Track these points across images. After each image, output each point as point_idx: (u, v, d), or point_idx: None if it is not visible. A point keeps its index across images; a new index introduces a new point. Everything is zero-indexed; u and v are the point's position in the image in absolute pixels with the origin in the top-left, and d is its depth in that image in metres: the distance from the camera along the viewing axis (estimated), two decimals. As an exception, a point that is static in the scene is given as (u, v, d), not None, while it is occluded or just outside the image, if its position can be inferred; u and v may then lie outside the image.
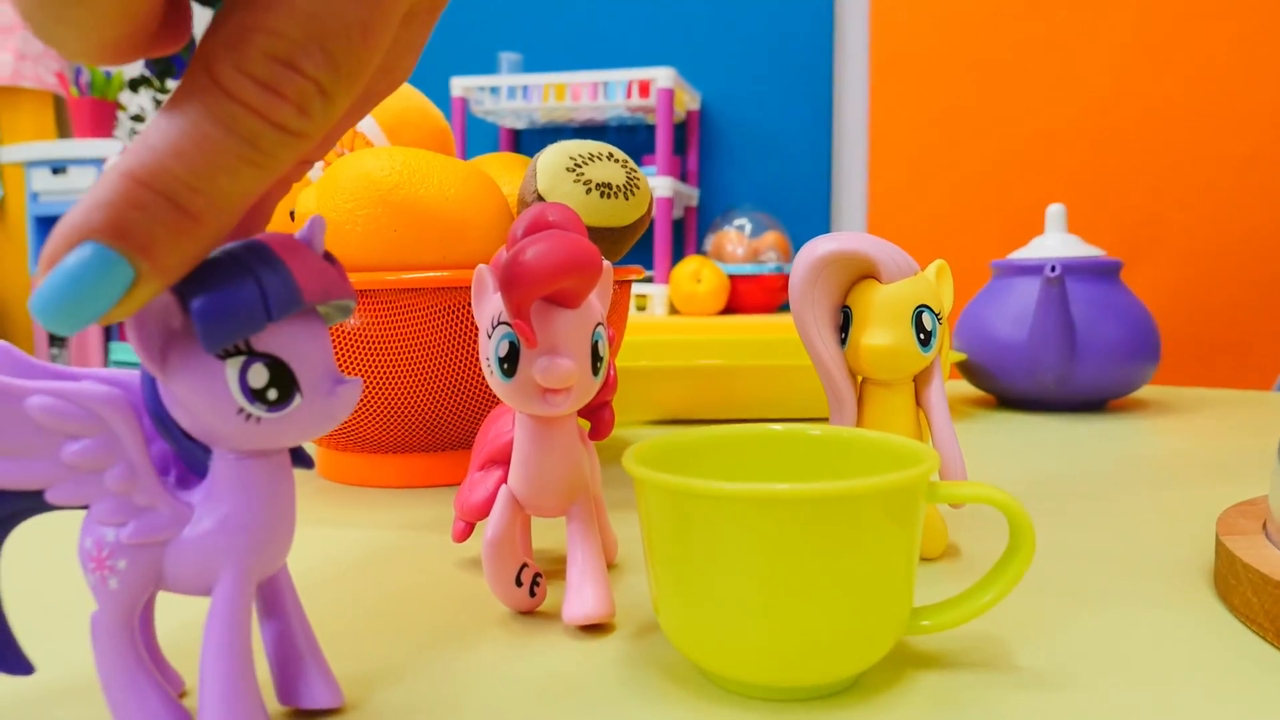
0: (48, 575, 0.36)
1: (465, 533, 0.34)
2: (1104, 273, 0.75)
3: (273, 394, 0.20)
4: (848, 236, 0.33)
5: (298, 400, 0.21)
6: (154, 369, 0.20)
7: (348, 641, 0.29)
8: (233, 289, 0.19)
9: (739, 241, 1.67)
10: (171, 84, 2.26)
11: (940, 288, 0.35)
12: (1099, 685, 0.25)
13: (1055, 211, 0.79)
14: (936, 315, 0.33)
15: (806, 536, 0.22)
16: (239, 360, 0.20)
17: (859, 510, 0.23)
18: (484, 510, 0.31)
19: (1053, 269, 0.68)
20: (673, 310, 1.66)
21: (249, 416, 0.20)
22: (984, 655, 0.27)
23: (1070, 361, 0.70)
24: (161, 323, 0.20)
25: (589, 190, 0.45)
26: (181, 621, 0.31)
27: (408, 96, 0.53)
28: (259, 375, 0.20)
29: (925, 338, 0.33)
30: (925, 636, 0.28)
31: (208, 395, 0.20)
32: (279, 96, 0.17)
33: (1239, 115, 1.41)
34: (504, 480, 0.30)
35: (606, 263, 0.29)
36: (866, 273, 0.34)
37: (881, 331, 0.33)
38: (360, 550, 0.39)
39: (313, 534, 0.41)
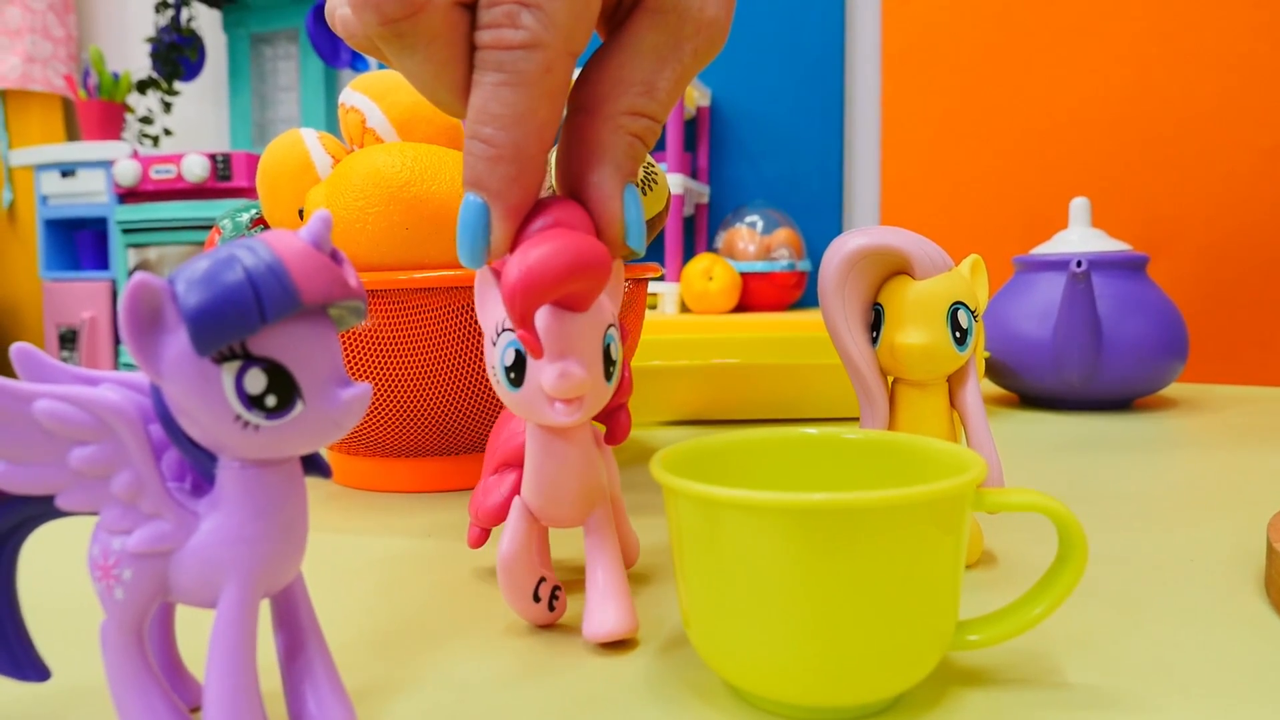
0: (65, 580, 0.36)
1: (481, 539, 0.33)
2: (1131, 268, 0.73)
3: (271, 400, 0.19)
4: (879, 231, 0.32)
5: (299, 407, 0.19)
6: (149, 372, 0.19)
7: (358, 654, 0.28)
8: (223, 288, 0.18)
9: (750, 239, 1.66)
10: (179, 85, 2.25)
11: (975, 283, 0.33)
12: (1156, 704, 0.24)
13: (1079, 205, 0.77)
14: (972, 312, 0.32)
15: (849, 549, 0.21)
16: (235, 364, 0.19)
17: (905, 521, 0.21)
18: (499, 515, 0.30)
19: (1079, 264, 0.66)
20: (684, 309, 1.64)
21: (246, 424, 0.19)
22: (1032, 671, 0.26)
23: (1096, 359, 0.68)
24: (155, 322, 0.19)
25: (605, 185, 0.43)
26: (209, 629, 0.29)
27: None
28: (256, 381, 0.19)
29: (961, 336, 0.32)
30: (971, 652, 0.27)
31: (204, 401, 0.19)
32: (495, 24, 0.22)
33: (1264, 105, 1.39)
34: (520, 483, 0.29)
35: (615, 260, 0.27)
36: (899, 268, 0.32)
37: (915, 330, 0.31)
38: (372, 558, 0.38)
39: (323, 541, 0.40)
